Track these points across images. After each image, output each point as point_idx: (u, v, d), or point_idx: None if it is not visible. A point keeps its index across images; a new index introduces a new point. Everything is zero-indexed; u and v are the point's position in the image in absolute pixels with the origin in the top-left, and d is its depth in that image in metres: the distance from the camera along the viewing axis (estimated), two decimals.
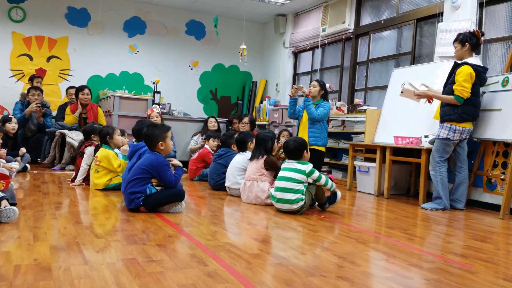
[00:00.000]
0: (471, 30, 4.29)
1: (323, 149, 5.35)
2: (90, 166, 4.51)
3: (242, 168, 4.39)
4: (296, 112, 5.44)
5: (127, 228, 2.80)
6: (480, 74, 4.16)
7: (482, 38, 4.29)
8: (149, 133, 3.46)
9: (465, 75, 4.09)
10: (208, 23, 8.53)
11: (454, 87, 4.14)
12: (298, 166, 3.63)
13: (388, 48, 6.55)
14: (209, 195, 4.47)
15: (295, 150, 3.72)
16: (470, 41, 4.21)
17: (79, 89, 6.36)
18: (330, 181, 3.72)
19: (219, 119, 7.85)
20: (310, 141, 5.17)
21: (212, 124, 6.98)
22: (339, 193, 3.84)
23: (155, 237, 2.57)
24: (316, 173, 3.62)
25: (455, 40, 4.32)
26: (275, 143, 4.36)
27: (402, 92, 4.63)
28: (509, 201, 4.07)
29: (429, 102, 4.47)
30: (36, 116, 6.37)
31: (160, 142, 3.44)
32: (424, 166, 4.58)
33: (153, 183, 3.40)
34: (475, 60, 4.24)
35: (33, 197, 3.71)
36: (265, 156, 4.10)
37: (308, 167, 3.61)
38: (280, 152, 5.07)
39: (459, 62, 4.26)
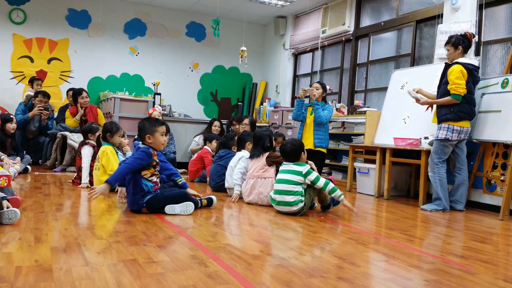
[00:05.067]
0: (462, 33, 4.32)
1: (323, 150, 5.37)
2: (92, 165, 4.54)
3: (238, 166, 4.41)
4: (302, 114, 5.41)
5: (128, 229, 2.80)
6: (472, 72, 4.19)
7: (474, 40, 4.35)
8: (140, 125, 3.49)
9: (456, 73, 4.13)
10: (209, 25, 8.54)
11: (449, 86, 4.16)
12: (295, 168, 3.64)
13: (388, 50, 6.56)
14: None
15: (292, 152, 3.72)
16: (462, 44, 4.26)
17: (78, 92, 6.36)
18: (330, 184, 3.61)
19: (222, 121, 7.88)
20: (316, 143, 5.19)
21: (215, 128, 6.95)
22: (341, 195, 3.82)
23: (155, 238, 2.58)
24: (314, 175, 3.59)
25: (447, 43, 4.35)
26: (273, 140, 4.37)
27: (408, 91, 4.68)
28: (509, 202, 4.08)
29: (431, 108, 4.48)
30: (37, 118, 6.43)
31: (148, 135, 3.41)
32: (424, 167, 4.59)
33: (145, 176, 3.34)
34: (466, 59, 4.28)
35: (34, 198, 3.72)
36: (266, 154, 4.11)
37: (305, 168, 3.61)
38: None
39: (449, 63, 4.30)
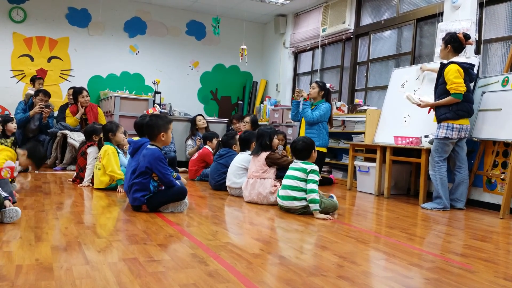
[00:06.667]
0: (457, 33, 4.33)
1: (323, 149, 5.38)
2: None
3: (242, 168, 4.41)
4: (299, 114, 5.51)
5: (129, 228, 2.81)
6: (468, 70, 4.21)
7: (471, 41, 4.33)
8: (152, 122, 3.46)
9: (454, 72, 4.14)
10: (209, 23, 8.53)
11: (448, 86, 4.17)
12: (302, 165, 3.65)
13: (388, 48, 6.55)
14: (210, 195, 4.48)
15: (303, 149, 3.71)
16: (452, 44, 4.27)
17: (78, 92, 6.36)
18: (314, 194, 3.47)
19: (219, 119, 7.89)
20: None
21: (201, 122, 6.92)
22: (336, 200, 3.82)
23: (156, 237, 2.58)
24: (314, 176, 3.55)
25: (442, 39, 4.39)
26: (275, 138, 4.35)
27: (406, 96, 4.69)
28: (509, 200, 4.07)
29: (433, 110, 4.48)
30: (38, 117, 6.43)
31: (162, 133, 3.45)
32: (424, 166, 4.59)
33: (155, 178, 3.40)
34: (460, 58, 4.29)
35: (35, 197, 3.72)
36: (266, 153, 4.11)
37: (311, 166, 3.62)
38: (282, 149, 5.09)
39: (445, 62, 4.31)
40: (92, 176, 4.52)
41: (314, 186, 3.52)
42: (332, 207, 3.65)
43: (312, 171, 3.59)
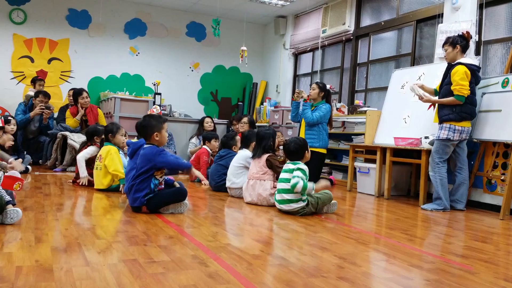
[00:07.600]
0: (460, 33, 4.34)
1: (323, 151, 5.37)
2: (93, 166, 4.54)
3: (240, 166, 4.42)
4: (298, 115, 5.51)
5: (129, 229, 2.81)
6: (475, 73, 4.21)
7: (473, 39, 4.37)
8: (145, 123, 3.48)
9: (461, 74, 4.13)
10: (209, 25, 8.53)
11: (453, 87, 4.16)
12: (290, 166, 3.67)
13: (388, 50, 6.56)
14: (210, 196, 4.48)
15: (295, 151, 3.73)
16: (460, 43, 4.27)
17: (78, 93, 6.35)
18: (298, 185, 3.48)
19: (219, 120, 7.90)
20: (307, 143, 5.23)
21: (208, 125, 7.05)
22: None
23: (156, 238, 2.58)
24: (297, 173, 3.56)
25: (445, 43, 4.38)
26: (276, 140, 4.36)
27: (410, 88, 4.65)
28: (509, 202, 4.07)
29: (433, 107, 4.48)
30: (38, 118, 6.43)
31: (156, 133, 3.45)
32: (424, 167, 4.59)
33: (156, 176, 3.39)
34: (468, 59, 4.28)
35: (35, 198, 3.72)
36: (267, 154, 4.11)
37: (298, 165, 3.63)
38: (281, 152, 5.09)
39: (452, 63, 4.30)
40: (92, 176, 4.52)
41: (298, 181, 3.49)
42: (328, 199, 3.70)
43: (297, 169, 3.60)
